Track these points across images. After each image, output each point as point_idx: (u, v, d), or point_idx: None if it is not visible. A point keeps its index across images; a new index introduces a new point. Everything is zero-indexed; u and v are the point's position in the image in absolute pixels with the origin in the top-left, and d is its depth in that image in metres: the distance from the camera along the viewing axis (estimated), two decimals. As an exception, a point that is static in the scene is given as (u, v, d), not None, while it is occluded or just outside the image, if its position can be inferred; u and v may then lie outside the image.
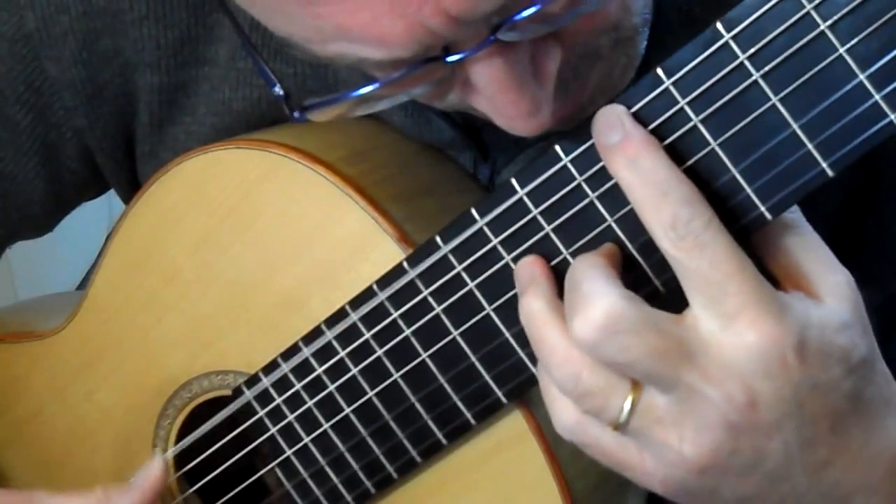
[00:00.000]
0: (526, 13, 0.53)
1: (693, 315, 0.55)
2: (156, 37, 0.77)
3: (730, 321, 0.54)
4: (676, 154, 0.57)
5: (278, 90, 0.60)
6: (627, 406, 0.56)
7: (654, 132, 0.57)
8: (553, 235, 0.61)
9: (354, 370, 0.69)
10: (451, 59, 0.55)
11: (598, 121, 0.57)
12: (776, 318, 0.54)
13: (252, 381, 0.72)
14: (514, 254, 0.63)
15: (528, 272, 0.61)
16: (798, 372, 0.54)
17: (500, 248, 0.63)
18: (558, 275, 0.60)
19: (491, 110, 0.58)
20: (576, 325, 0.55)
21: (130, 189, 0.84)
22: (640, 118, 0.57)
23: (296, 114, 0.59)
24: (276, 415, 0.72)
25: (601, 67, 0.61)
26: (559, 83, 0.58)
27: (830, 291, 0.56)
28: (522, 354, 0.65)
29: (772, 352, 0.54)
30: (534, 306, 0.59)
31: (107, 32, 0.78)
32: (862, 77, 0.54)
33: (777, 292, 0.55)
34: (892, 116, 0.54)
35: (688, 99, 0.56)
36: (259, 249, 0.71)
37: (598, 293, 0.55)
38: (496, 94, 0.56)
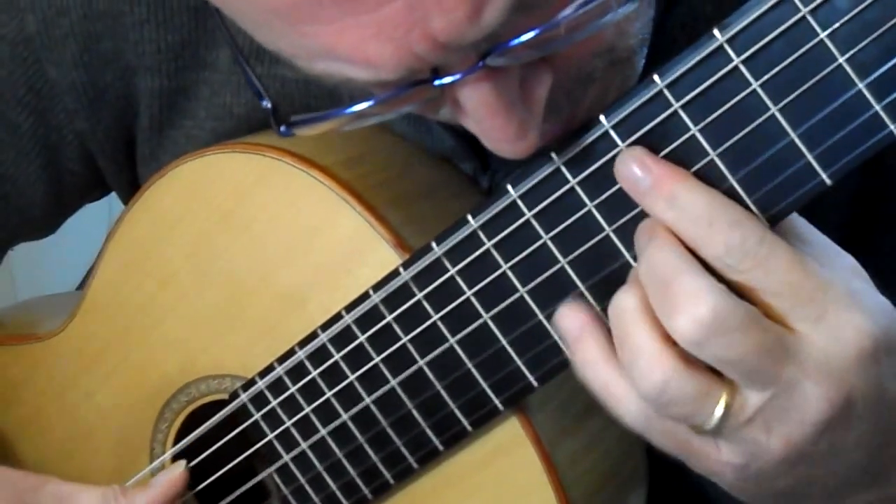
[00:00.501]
0: (516, 42, 0.53)
1: (795, 320, 0.54)
2: (156, 40, 0.77)
3: (818, 323, 0.54)
4: (673, 160, 0.57)
5: (266, 104, 0.60)
6: (719, 413, 0.55)
7: (649, 136, 0.57)
8: (550, 243, 0.61)
9: (351, 376, 0.69)
10: (438, 82, 0.54)
11: (619, 170, 0.57)
12: (860, 311, 0.54)
13: (248, 385, 0.72)
14: (511, 262, 0.62)
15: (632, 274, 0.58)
16: (886, 363, 0.55)
17: (493, 252, 0.62)
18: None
19: (479, 132, 0.57)
20: (680, 323, 0.53)
21: (131, 191, 0.84)
22: (635, 123, 0.57)
23: (282, 128, 0.58)
24: (273, 420, 0.72)
25: (595, 89, 0.60)
26: (551, 105, 0.58)
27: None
28: (519, 361, 0.64)
29: (867, 347, 0.54)
30: (627, 304, 0.56)
31: (107, 35, 0.78)
32: (862, 86, 0.53)
33: (844, 283, 0.55)
34: (892, 126, 0.53)
35: (682, 102, 0.56)
36: (255, 253, 0.71)
37: (701, 290, 0.53)
38: (484, 118, 0.56)
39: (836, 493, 0.59)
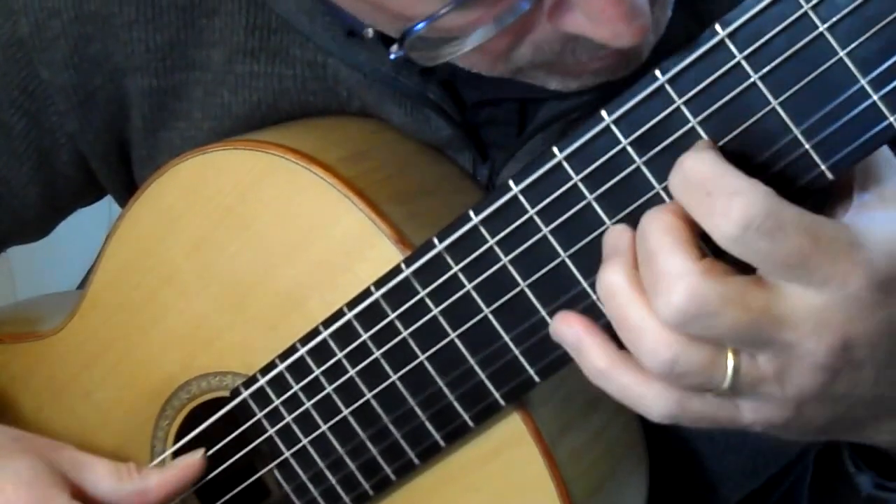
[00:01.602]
0: None
1: (776, 284, 0.54)
2: (145, 40, 0.77)
3: (812, 283, 0.54)
4: (675, 156, 0.57)
5: (369, 32, 0.61)
6: (730, 374, 0.55)
7: (651, 132, 0.57)
8: (550, 237, 0.61)
9: (352, 371, 0.69)
10: None
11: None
12: (859, 261, 0.53)
13: (250, 382, 0.72)
14: (511, 255, 0.63)
15: (613, 241, 0.58)
16: (885, 304, 0.54)
17: (496, 248, 0.63)
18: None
19: (589, 23, 0.57)
20: (659, 305, 0.54)
21: (126, 194, 0.84)
22: (636, 119, 0.57)
23: (392, 49, 0.59)
24: (274, 416, 0.72)
25: None
26: None
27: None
28: (520, 356, 0.64)
29: (863, 296, 0.54)
30: (614, 280, 0.56)
31: (97, 37, 0.78)
32: (863, 82, 0.54)
33: (845, 226, 0.54)
34: (892, 119, 0.54)
35: (684, 98, 0.56)
36: (256, 250, 0.71)
37: (675, 273, 0.54)
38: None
39: (877, 415, 0.59)
